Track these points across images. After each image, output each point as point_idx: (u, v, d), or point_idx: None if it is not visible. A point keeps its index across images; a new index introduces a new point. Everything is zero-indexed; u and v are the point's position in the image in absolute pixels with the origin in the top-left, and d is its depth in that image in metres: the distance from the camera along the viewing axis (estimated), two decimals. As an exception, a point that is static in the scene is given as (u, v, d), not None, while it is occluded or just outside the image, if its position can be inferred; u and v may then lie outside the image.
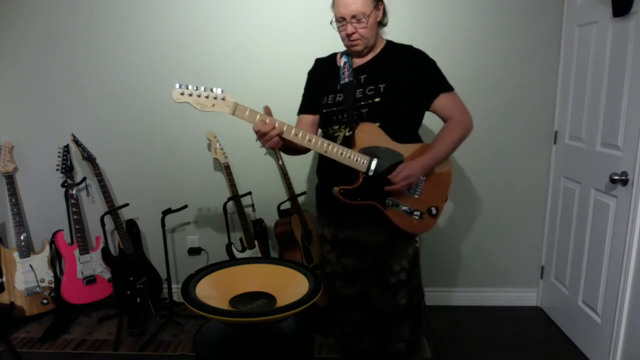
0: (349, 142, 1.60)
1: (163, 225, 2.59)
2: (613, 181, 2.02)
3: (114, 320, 2.66)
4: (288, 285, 1.77)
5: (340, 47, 1.73)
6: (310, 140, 1.53)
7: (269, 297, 1.74)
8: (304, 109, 1.80)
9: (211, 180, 2.81)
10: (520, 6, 2.52)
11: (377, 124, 1.60)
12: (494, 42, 2.56)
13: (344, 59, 1.70)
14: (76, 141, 2.66)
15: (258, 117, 1.48)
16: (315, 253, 2.64)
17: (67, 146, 2.72)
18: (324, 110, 1.70)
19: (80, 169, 2.82)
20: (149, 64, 2.69)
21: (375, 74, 1.64)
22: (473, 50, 2.58)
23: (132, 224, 2.73)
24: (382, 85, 1.61)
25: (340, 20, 1.57)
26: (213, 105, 1.49)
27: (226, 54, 2.65)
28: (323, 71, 1.78)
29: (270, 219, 2.71)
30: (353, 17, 1.54)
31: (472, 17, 2.55)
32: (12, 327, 2.57)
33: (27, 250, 2.67)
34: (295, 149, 1.68)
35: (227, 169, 2.65)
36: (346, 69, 1.67)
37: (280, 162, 2.66)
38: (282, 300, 1.68)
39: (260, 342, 1.69)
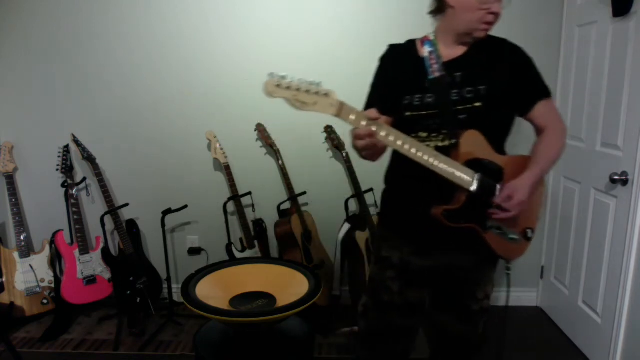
0: (444, 153, 1.33)
1: (163, 225, 2.59)
2: (613, 181, 2.02)
3: (114, 320, 2.66)
4: (288, 285, 1.77)
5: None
6: (417, 152, 1.27)
7: (269, 297, 1.74)
8: (373, 107, 1.41)
9: (211, 180, 2.81)
10: (520, 6, 2.52)
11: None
12: (494, 42, 2.56)
13: (428, 48, 1.40)
14: (76, 141, 2.66)
15: (365, 122, 1.22)
16: (316, 253, 2.64)
17: (67, 146, 2.72)
18: (408, 113, 1.39)
19: (80, 169, 2.82)
20: (149, 63, 2.69)
21: (473, 72, 1.37)
22: (473, 50, 2.58)
23: (132, 224, 2.73)
24: (482, 87, 1.35)
25: None
26: (315, 103, 1.18)
27: (226, 54, 2.65)
28: (401, 61, 1.46)
29: (270, 219, 2.71)
30: None
31: (472, 17, 2.55)
32: (12, 327, 2.57)
33: (27, 250, 2.67)
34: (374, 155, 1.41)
35: (227, 169, 2.65)
36: (433, 61, 1.39)
37: (280, 162, 2.66)
38: (282, 300, 1.68)
39: (260, 342, 1.69)
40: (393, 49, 1.50)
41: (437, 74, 1.37)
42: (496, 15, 1.33)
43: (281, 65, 2.62)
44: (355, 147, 1.30)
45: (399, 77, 1.44)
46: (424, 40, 1.42)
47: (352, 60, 2.56)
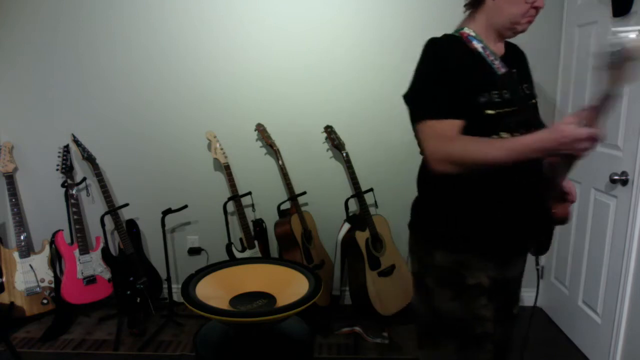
0: None
1: (163, 225, 2.59)
2: (613, 181, 2.02)
3: (114, 320, 2.66)
4: (288, 285, 1.77)
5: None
6: None
7: (269, 297, 1.74)
8: (451, 112, 1.20)
9: (211, 180, 2.81)
10: (520, 6, 2.52)
11: None
12: (494, 42, 2.56)
13: (478, 44, 1.27)
14: (76, 141, 2.66)
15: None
16: (316, 253, 2.64)
17: (67, 146, 2.72)
18: (490, 111, 1.21)
19: (80, 169, 2.82)
20: (149, 63, 2.69)
21: (521, 69, 1.33)
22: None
23: (132, 224, 2.73)
24: (528, 84, 1.35)
25: None
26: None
27: (226, 54, 2.65)
28: (461, 58, 1.26)
29: (270, 219, 2.71)
30: None
31: (472, 17, 2.55)
32: (12, 327, 2.57)
33: (27, 250, 2.67)
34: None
35: (227, 169, 2.65)
36: (491, 57, 1.27)
37: (280, 162, 2.66)
38: (282, 300, 1.68)
39: (260, 342, 1.69)
40: (446, 45, 1.28)
41: (502, 70, 1.25)
42: (538, 10, 1.26)
43: (281, 64, 2.62)
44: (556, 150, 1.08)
45: (464, 74, 1.23)
46: (468, 36, 1.29)
47: (352, 59, 2.57)
